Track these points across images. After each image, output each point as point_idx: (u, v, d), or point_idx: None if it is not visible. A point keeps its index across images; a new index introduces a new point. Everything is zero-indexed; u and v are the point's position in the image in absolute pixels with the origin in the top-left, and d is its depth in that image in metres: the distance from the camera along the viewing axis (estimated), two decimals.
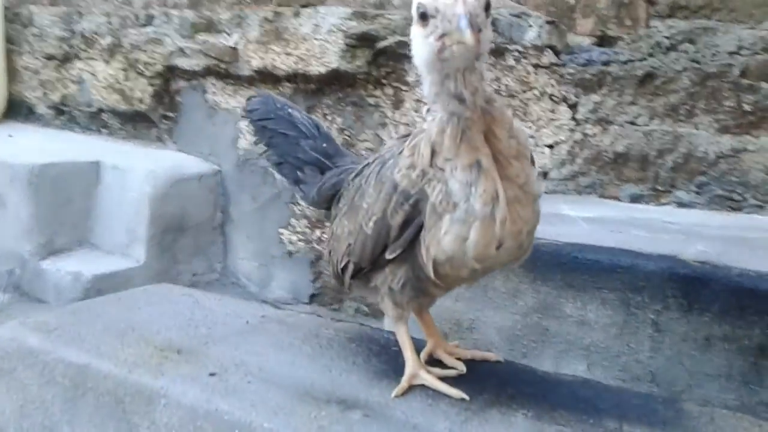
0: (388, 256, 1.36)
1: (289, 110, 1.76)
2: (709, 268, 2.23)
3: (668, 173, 3.30)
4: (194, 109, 4.62)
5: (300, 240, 4.21)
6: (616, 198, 3.41)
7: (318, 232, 4.16)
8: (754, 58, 3.15)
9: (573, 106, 3.50)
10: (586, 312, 2.35)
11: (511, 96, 3.61)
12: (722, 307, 2.17)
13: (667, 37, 3.40)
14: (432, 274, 1.33)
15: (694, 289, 2.22)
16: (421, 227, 1.30)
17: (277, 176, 1.79)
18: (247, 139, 4.37)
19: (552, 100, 3.53)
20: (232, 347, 1.68)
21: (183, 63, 4.51)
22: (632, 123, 3.40)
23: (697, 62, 3.26)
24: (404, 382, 1.46)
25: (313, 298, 4.18)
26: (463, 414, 1.39)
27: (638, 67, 3.37)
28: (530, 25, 3.53)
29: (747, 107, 3.15)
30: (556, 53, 3.53)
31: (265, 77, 4.20)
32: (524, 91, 3.58)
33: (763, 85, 3.11)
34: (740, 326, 2.15)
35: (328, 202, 1.65)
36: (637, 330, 2.30)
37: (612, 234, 2.61)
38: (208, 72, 4.47)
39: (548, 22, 3.53)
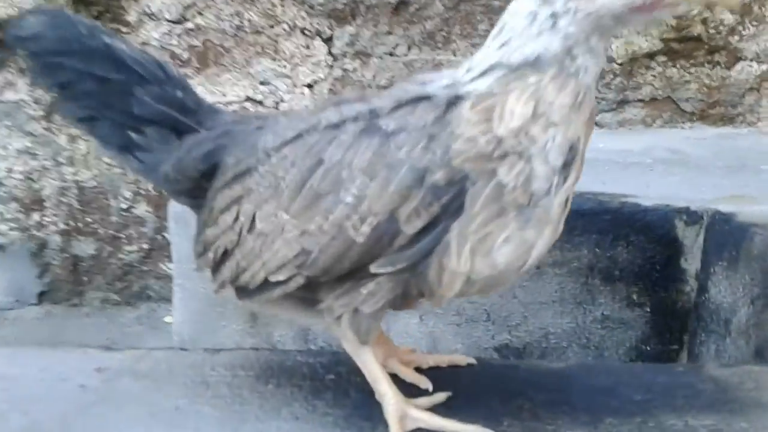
0: (378, 270, 0.96)
1: (107, 40, 1.17)
2: None
3: None
4: None
5: (13, 229, 3.37)
6: None
7: (37, 216, 3.37)
8: None
9: (328, 40, 3.22)
10: None
11: (257, 32, 3.20)
12: None
13: None
14: (449, 295, 0.99)
15: None
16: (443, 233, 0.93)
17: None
18: None
19: (305, 34, 3.20)
20: None
21: None
22: (391, 54, 3.23)
23: None
24: (396, 431, 1.03)
25: (43, 296, 3.41)
26: None
27: None
28: None
29: None
30: None
31: None
32: (272, 26, 3.20)
33: None
34: (569, 249, 2.13)
35: (194, 180, 1.14)
36: None
37: None
38: None
39: None
